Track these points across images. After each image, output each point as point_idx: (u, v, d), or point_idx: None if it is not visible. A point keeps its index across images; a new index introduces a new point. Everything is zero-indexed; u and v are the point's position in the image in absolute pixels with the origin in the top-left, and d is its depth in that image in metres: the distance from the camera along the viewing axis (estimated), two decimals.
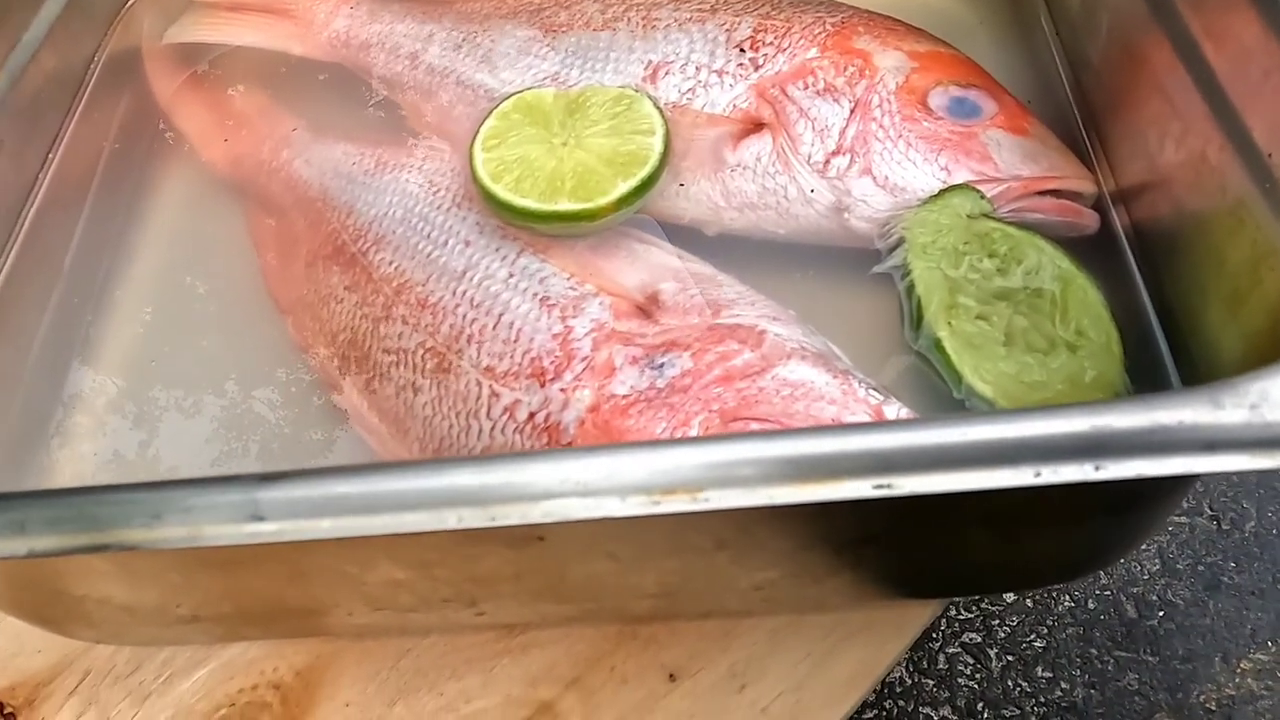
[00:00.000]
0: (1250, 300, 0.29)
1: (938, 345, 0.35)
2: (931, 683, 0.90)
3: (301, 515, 0.22)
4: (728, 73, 0.45)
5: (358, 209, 0.44)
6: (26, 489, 0.31)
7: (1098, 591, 0.93)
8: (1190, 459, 0.20)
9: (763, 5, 0.48)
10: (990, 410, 0.33)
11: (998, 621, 0.92)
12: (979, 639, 0.91)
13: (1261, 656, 0.88)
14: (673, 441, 0.25)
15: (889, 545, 0.29)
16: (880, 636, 0.35)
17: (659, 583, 0.31)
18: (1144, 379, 0.34)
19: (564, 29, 0.49)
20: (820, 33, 0.45)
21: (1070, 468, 0.20)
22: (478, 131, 0.43)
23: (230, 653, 0.38)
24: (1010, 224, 0.38)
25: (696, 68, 0.45)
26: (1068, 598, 0.92)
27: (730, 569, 0.30)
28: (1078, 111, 0.43)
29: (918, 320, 0.37)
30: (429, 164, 0.45)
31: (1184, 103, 0.33)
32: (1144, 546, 0.94)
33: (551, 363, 0.36)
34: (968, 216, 0.38)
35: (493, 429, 0.36)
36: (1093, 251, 0.38)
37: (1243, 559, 0.93)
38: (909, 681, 0.90)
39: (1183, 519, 0.96)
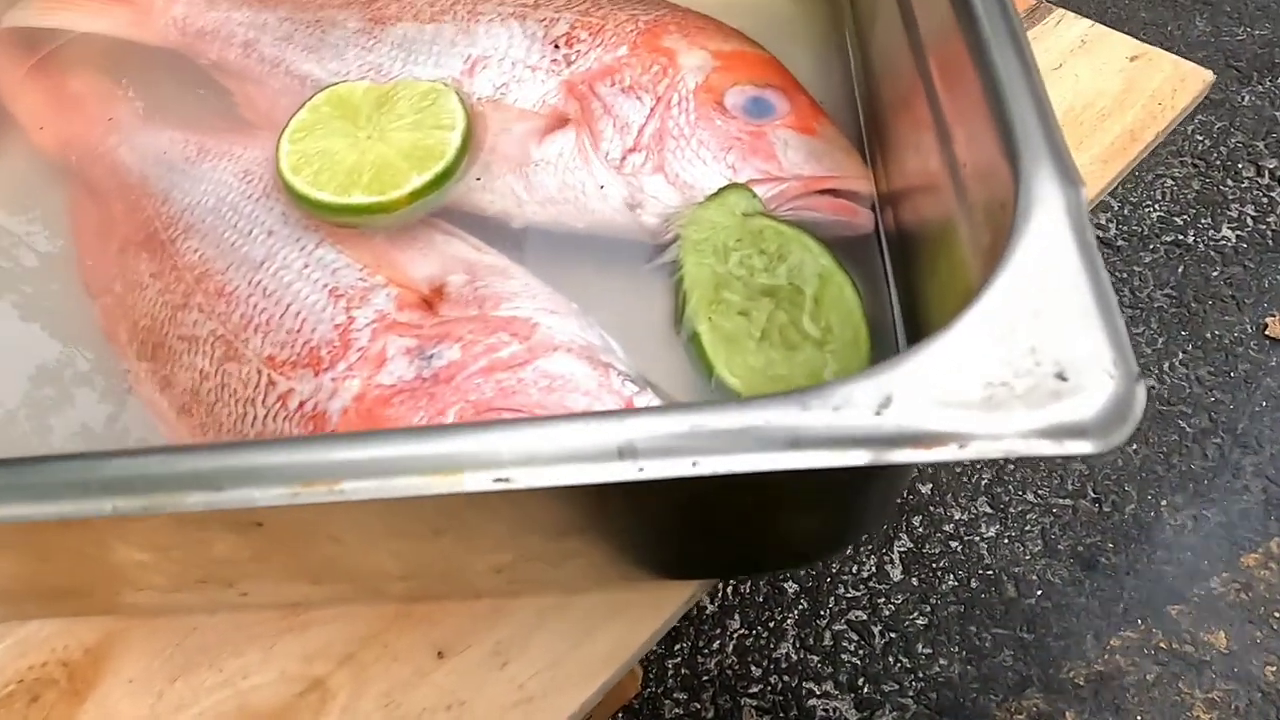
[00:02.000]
0: (949, 305, 0.31)
1: (695, 338, 0.37)
2: (816, 659, 0.92)
3: None
4: (541, 69, 0.46)
5: (173, 196, 0.45)
6: None
7: (980, 571, 0.95)
8: (774, 456, 0.22)
9: (583, 2, 0.49)
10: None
11: (883, 600, 0.95)
12: (865, 616, 0.94)
13: (1130, 634, 0.91)
14: (314, 439, 0.26)
15: (601, 534, 0.30)
16: (638, 616, 0.37)
17: (399, 565, 0.33)
18: None
19: (392, 21, 0.50)
20: (632, 30, 0.46)
21: (670, 463, 0.22)
22: (287, 124, 0.44)
23: (25, 630, 0.39)
24: (785, 222, 0.40)
25: (512, 63, 0.46)
26: (951, 577, 0.95)
27: (460, 552, 0.32)
28: (863, 115, 0.44)
29: (681, 313, 0.38)
30: (249, 153, 0.46)
31: (921, 115, 0.35)
32: (1027, 527, 0.97)
33: (328, 352, 0.38)
34: (743, 214, 0.40)
35: (266, 416, 0.37)
36: (861, 252, 0.40)
37: (1121, 540, 0.96)
38: (795, 657, 0.92)
39: (1067, 501, 0.99)
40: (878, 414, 0.22)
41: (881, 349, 0.36)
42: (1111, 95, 0.51)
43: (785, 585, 0.96)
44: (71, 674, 0.38)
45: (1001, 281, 0.24)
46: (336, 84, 0.46)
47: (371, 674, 0.37)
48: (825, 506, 0.29)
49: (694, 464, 0.22)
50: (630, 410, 0.23)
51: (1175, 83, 0.51)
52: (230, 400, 0.38)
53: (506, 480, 0.22)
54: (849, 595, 0.95)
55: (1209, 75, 0.51)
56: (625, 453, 0.22)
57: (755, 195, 0.40)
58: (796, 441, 0.22)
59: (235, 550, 0.31)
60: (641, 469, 0.22)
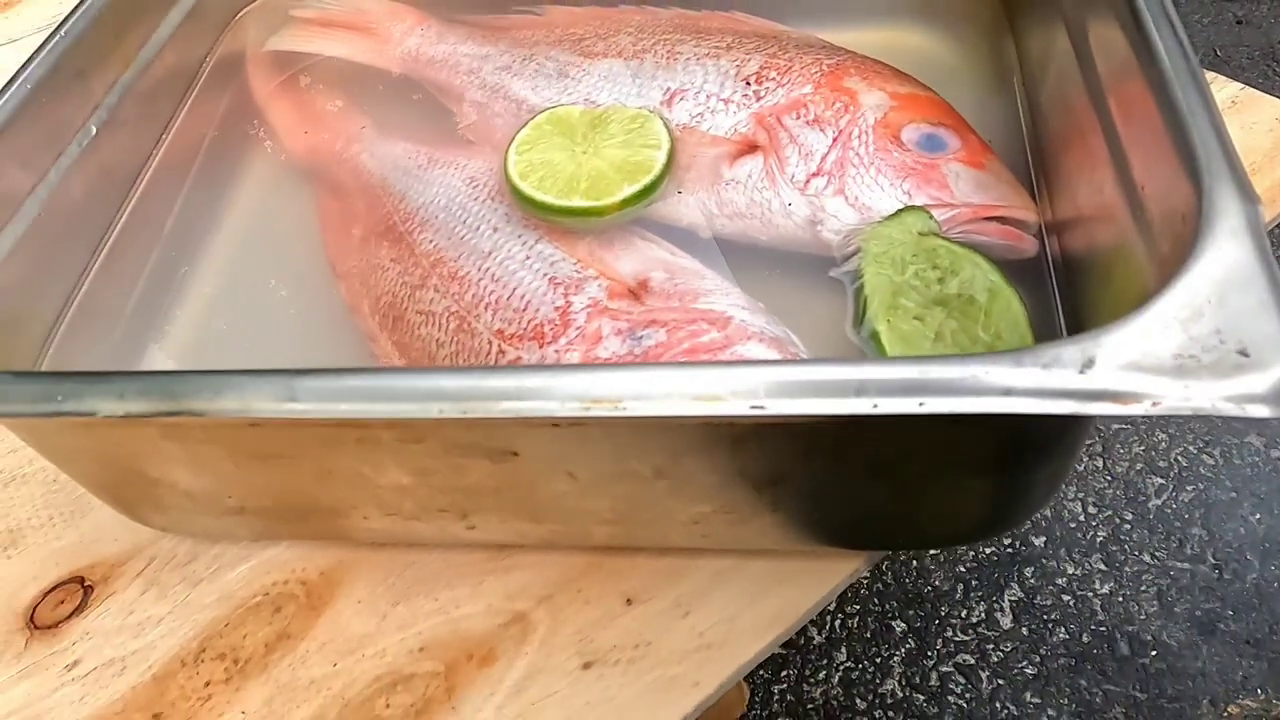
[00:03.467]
0: (1123, 306, 0.35)
1: (875, 336, 0.41)
2: (922, 698, 0.93)
3: (324, 400, 0.30)
4: (733, 101, 0.52)
5: (409, 196, 0.52)
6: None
7: (1093, 626, 0.95)
8: (991, 400, 0.26)
9: (771, 46, 0.55)
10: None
11: (992, 646, 0.95)
12: (972, 660, 0.95)
13: (1250, 703, 0.89)
14: (602, 364, 0.31)
15: (798, 486, 0.35)
16: (806, 584, 0.41)
17: (612, 508, 0.38)
18: None
19: (599, 56, 0.57)
20: (816, 72, 0.52)
21: (901, 401, 0.27)
22: (514, 138, 0.51)
23: (269, 553, 0.46)
24: (956, 242, 0.44)
25: (707, 96, 0.53)
26: (1063, 630, 0.95)
27: (669, 500, 0.37)
28: (1030, 151, 0.48)
29: (861, 315, 0.43)
30: (473, 164, 0.53)
31: (1095, 146, 0.39)
32: (1143, 588, 0.97)
33: (551, 329, 0.43)
34: (919, 233, 0.44)
35: None
36: (1027, 273, 0.44)
37: (1241, 608, 0.95)
38: (900, 694, 0.94)
39: (1184, 565, 0.98)
40: (1081, 372, 0.26)
41: None
42: (1262, 152, 0.54)
43: (893, 623, 0.98)
44: (309, 591, 0.44)
45: (1188, 277, 0.28)
46: (554, 107, 0.53)
47: (567, 614, 0.42)
48: (1005, 471, 0.33)
49: (920, 404, 0.26)
50: (866, 358, 0.28)
51: None
52: (464, 365, 0.44)
53: (761, 407, 0.27)
54: (957, 639, 0.96)
55: None
56: (862, 390, 0.27)
57: (931, 217, 0.44)
58: (1010, 390, 0.26)
59: (483, 480, 0.36)
60: (875, 405, 0.27)
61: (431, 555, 0.45)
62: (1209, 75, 0.59)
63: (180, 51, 0.57)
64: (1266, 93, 0.58)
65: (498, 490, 0.37)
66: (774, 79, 0.52)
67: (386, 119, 0.59)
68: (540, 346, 0.43)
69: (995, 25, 0.56)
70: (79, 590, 0.46)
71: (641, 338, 0.42)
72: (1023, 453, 0.33)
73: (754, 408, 0.27)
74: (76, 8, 0.50)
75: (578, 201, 0.47)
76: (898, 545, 0.58)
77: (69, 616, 0.45)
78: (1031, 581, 0.99)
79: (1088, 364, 0.26)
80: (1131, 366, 0.26)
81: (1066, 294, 0.42)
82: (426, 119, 0.59)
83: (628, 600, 0.42)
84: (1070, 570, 0.99)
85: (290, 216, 0.55)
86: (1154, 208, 0.33)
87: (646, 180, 0.48)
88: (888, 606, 0.98)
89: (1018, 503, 0.36)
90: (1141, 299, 0.32)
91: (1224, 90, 0.58)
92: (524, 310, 0.45)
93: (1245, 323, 0.26)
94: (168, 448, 0.37)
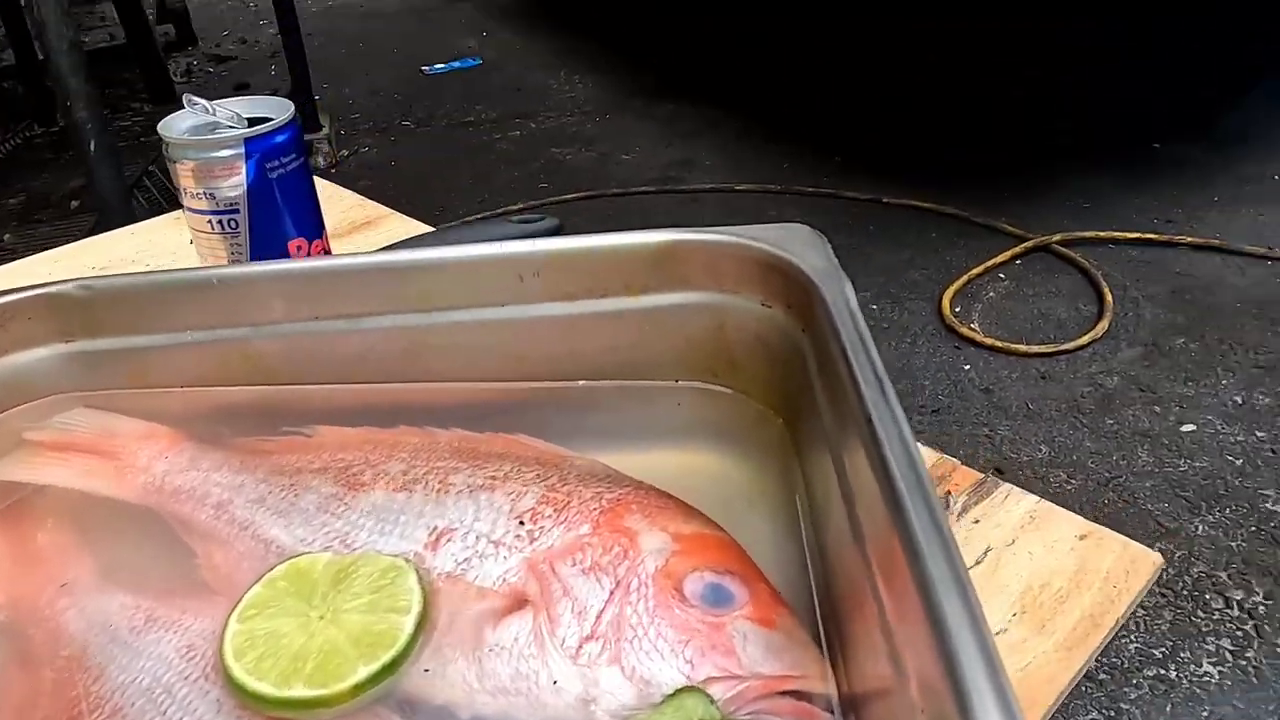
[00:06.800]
0: None
1: None
2: None
3: None
4: (504, 544, 0.47)
5: (108, 672, 0.43)
6: None
7: None
8: None
9: (552, 475, 0.51)
10: None
11: None
12: None
13: None
14: None
15: None
16: None
17: None
18: None
19: (365, 488, 0.51)
20: (595, 509, 0.48)
21: None
22: (240, 600, 0.43)
23: None
24: None
25: (476, 537, 0.47)
26: None
27: None
28: (819, 606, 0.44)
29: None
30: (197, 624, 0.45)
31: (877, 636, 0.35)
32: None
33: None
34: (699, 719, 0.38)
35: None
36: None
37: None
38: None
39: None
40: None
41: None
42: (1067, 575, 0.52)
43: None
44: None
45: None
46: (300, 554, 0.47)
47: None
48: None
49: None
50: None
51: (1126, 564, 0.52)
52: None
53: None
54: None
55: (1158, 558, 0.53)
56: None
57: (712, 701, 0.38)
58: None
59: None
60: None
61: None
62: (1006, 486, 0.58)
63: None
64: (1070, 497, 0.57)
65: None
66: (550, 516, 0.48)
67: (113, 562, 0.50)
68: None
69: (783, 448, 0.55)
70: None
71: None
72: None
73: None
74: None
75: (298, 691, 0.39)
76: None
77: None
78: None
79: None
80: None
81: None
82: (166, 560, 0.51)
83: None
84: None
85: None
86: None
87: (387, 658, 0.40)
88: None
89: None
90: None
91: (1020, 505, 0.57)
92: None
93: None
94: None
